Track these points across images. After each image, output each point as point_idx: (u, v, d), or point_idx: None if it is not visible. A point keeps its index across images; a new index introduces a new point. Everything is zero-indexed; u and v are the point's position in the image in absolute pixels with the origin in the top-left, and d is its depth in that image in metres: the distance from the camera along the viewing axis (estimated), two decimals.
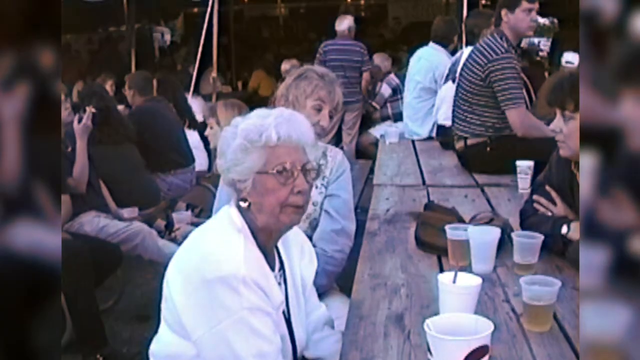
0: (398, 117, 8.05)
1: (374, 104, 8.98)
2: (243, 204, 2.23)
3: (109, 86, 8.26)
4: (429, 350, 1.74)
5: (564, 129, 2.91)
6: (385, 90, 8.93)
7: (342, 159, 3.27)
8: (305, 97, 3.15)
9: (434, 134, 6.33)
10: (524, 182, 4.07)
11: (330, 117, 3.19)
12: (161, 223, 5.38)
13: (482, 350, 1.70)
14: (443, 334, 1.72)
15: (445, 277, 2.26)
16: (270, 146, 2.19)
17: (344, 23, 9.07)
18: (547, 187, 3.16)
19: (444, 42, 6.87)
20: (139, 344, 4.43)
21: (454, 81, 5.48)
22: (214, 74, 9.34)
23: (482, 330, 1.74)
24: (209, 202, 6.39)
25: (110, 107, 5.62)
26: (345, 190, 3.26)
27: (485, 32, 5.54)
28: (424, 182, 4.61)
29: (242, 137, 2.19)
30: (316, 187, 3.12)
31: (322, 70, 3.29)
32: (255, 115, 2.27)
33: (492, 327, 1.75)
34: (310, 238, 3.12)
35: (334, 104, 3.19)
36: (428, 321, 1.76)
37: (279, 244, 2.37)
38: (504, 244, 2.88)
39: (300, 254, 2.46)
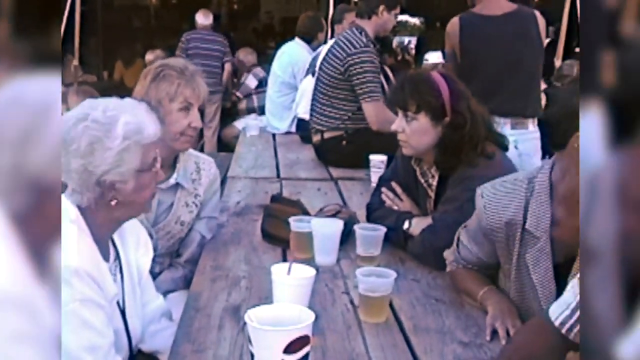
0: (263, 110, 8.05)
1: (237, 93, 8.98)
2: (113, 203, 2.16)
3: None
4: (249, 341, 1.71)
5: (407, 129, 2.94)
6: (250, 81, 8.96)
7: (215, 173, 3.15)
8: (170, 100, 2.83)
9: (293, 129, 6.34)
10: (376, 175, 4.09)
11: (200, 114, 2.96)
12: None
13: (302, 340, 1.68)
14: (266, 324, 1.70)
15: (278, 269, 2.25)
16: (148, 143, 2.16)
17: (208, 17, 9.20)
18: (394, 183, 3.20)
19: (307, 38, 6.90)
20: None
21: (314, 75, 5.48)
22: (75, 62, 9.10)
23: (304, 320, 1.72)
24: None
25: None
26: (218, 210, 3.23)
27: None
28: (278, 175, 4.60)
29: (124, 136, 2.11)
30: (186, 206, 3.01)
31: (180, 63, 2.96)
32: (122, 109, 2.17)
33: (312, 317, 1.74)
34: (176, 256, 3.08)
35: (200, 99, 2.91)
36: (250, 312, 1.74)
37: (115, 235, 2.31)
38: (351, 236, 2.89)
39: (136, 244, 2.41)
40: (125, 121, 2.12)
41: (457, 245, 2.56)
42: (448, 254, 2.63)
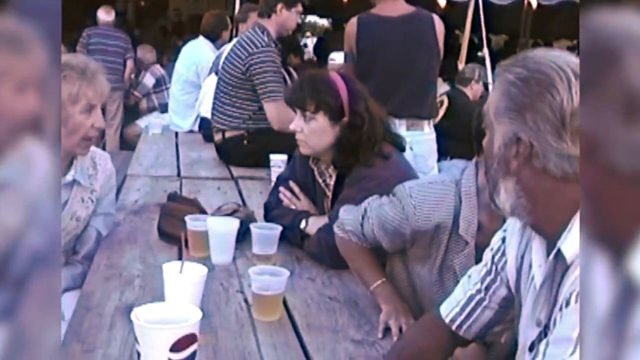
0: (164, 108, 7.99)
1: (135, 92, 8.92)
2: None
3: None
4: (136, 339, 1.70)
5: (305, 128, 2.96)
6: (148, 80, 8.93)
7: (112, 169, 3.09)
8: (71, 103, 2.71)
9: (195, 128, 6.30)
10: (276, 175, 4.12)
11: (102, 112, 2.87)
12: None
13: (189, 338, 1.68)
14: (154, 323, 1.69)
15: (170, 267, 2.23)
16: None
17: (110, 14, 9.17)
18: (291, 182, 3.22)
19: (211, 36, 6.87)
20: None
21: (217, 74, 5.46)
22: None
23: (192, 319, 1.72)
24: None
25: None
26: (115, 206, 3.19)
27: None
28: (179, 174, 4.57)
29: None
30: (82, 201, 2.94)
31: (80, 62, 2.83)
32: None
33: (199, 316, 1.74)
34: (72, 253, 3.01)
35: (102, 98, 2.82)
36: (136, 310, 1.72)
37: None
38: (247, 235, 2.89)
39: None
40: None
41: (363, 218, 2.51)
42: (347, 219, 2.58)
